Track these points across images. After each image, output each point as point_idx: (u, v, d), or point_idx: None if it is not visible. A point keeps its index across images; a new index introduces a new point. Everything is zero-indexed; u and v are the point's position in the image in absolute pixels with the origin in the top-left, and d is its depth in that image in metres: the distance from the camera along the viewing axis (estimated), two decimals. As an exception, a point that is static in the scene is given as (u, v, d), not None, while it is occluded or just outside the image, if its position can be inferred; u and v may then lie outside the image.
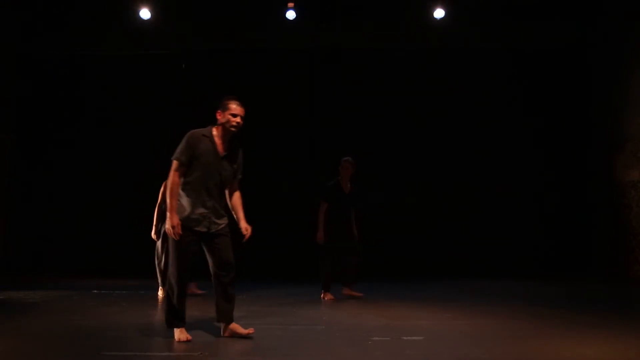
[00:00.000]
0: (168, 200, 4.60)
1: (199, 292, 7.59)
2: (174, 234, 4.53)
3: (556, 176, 11.03)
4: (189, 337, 4.62)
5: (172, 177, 4.65)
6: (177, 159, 4.66)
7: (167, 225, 4.54)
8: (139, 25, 10.61)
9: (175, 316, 4.67)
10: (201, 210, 4.63)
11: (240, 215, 4.86)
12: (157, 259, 7.54)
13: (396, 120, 11.07)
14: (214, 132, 4.76)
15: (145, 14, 10.49)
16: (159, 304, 6.90)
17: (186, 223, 4.59)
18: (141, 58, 11.21)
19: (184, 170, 4.66)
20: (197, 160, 4.63)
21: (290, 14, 10.67)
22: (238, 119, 4.75)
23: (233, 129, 4.74)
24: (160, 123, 11.08)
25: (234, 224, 4.87)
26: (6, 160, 10.74)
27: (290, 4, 10.61)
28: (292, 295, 7.61)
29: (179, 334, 4.63)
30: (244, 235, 4.78)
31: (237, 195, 4.91)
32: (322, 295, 7.30)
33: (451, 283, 9.13)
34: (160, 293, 7.36)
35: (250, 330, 4.78)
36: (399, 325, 5.44)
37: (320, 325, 5.40)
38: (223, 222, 4.75)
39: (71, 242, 10.76)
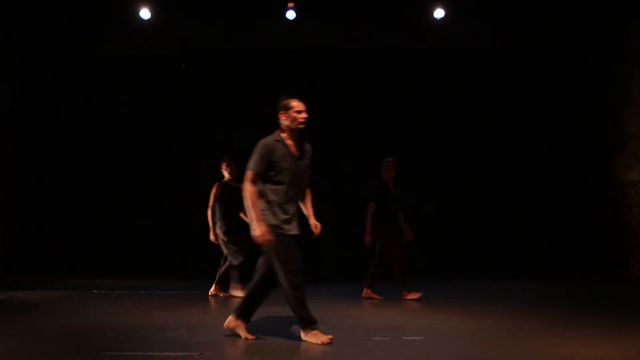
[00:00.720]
0: (251, 211, 4.54)
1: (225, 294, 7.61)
2: (264, 241, 4.49)
3: (556, 176, 11.03)
4: (325, 340, 4.53)
5: (249, 187, 4.59)
6: (252, 170, 4.62)
7: (256, 234, 4.48)
8: (139, 25, 10.61)
9: (308, 320, 4.63)
10: (291, 213, 4.64)
11: (310, 212, 4.84)
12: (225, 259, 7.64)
13: (396, 120, 11.06)
14: (283, 135, 4.76)
15: (145, 14, 10.49)
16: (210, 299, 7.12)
17: (280, 230, 4.57)
18: (141, 58, 11.21)
19: (260, 180, 4.63)
20: (276, 166, 4.61)
21: (290, 14, 10.67)
22: (304, 115, 4.75)
23: (301, 125, 4.74)
24: (160, 123, 11.11)
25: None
26: (6, 159, 10.74)
27: (290, 4, 10.61)
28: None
29: (314, 336, 4.60)
30: (313, 232, 4.77)
31: (307, 192, 4.90)
32: (363, 294, 7.39)
33: (451, 283, 9.13)
34: (212, 290, 7.57)
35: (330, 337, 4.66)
36: (399, 325, 5.44)
37: (320, 325, 5.40)
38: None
39: (71, 242, 10.76)
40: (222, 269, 7.66)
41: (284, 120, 4.77)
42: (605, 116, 10.64)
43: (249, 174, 4.64)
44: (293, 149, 4.73)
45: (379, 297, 7.41)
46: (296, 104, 4.76)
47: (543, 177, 11.04)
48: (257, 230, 4.47)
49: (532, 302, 7.06)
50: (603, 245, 10.55)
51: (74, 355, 4.21)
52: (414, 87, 11.05)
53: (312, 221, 4.81)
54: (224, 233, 7.62)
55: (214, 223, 7.67)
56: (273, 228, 4.54)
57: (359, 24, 11.03)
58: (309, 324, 4.65)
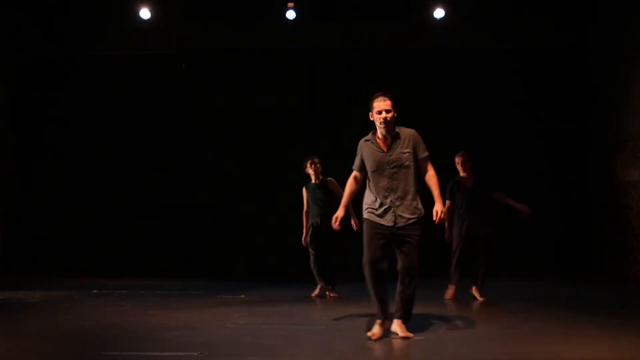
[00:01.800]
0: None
1: (333, 294, 7.54)
2: (334, 224, 5.01)
3: (556, 176, 11.03)
4: (375, 334, 4.68)
5: (349, 180, 5.20)
6: (353, 168, 5.18)
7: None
8: (139, 25, 10.60)
9: (377, 309, 4.78)
10: (384, 204, 4.86)
11: (435, 194, 5.06)
12: (312, 262, 7.60)
13: (396, 120, 11.04)
14: (375, 134, 5.10)
15: (145, 13, 10.48)
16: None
17: (373, 218, 4.87)
18: (141, 58, 11.20)
19: (359, 176, 5.12)
20: (367, 162, 5.00)
21: (290, 14, 10.67)
22: (383, 115, 4.99)
23: (383, 125, 4.97)
24: (160, 123, 11.10)
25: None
26: (6, 160, 10.74)
27: (290, 4, 10.60)
28: (292, 295, 7.61)
29: (373, 329, 4.76)
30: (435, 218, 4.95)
31: (429, 175, 5.12)
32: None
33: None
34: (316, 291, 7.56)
35: (410, 335, 4.76)
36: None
37: (320, 325, 5.40)
38: (412, 216, 4.91)
39: (71, 242, 10.75)
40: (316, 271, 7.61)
41: (372, 120, 5.11)
42: (605, 116, 10.64)
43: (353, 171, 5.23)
44: (382, 145, 5.04)
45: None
46: (376, 105, 5.09)
47: (543, 176, 11.03)
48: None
49: (532, 302, 7.06)
50: (603, 245, 10.54)
51: (74, 355, 4.21)
52: (414, 87, 11.02)
53: (437, 206, 5.02)
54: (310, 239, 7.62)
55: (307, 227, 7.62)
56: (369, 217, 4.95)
57: (359, 24, 11.03)
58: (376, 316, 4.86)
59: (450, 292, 7.43)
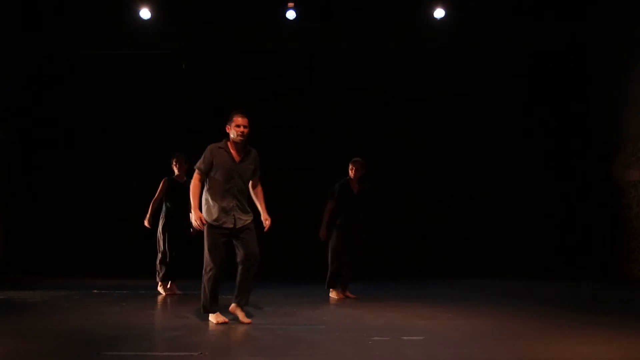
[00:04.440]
0: (192, 201, 5.38)
1: (178, 292, 7.71)
2: (199, 225, 5.31)
3: (556, 176, 11.03)
4: (226, 320, 5.36)
5: (194, 181, 5.42)
6: (197, 168, 5.43)
7: (193, 219, 5.35)
8: (139, 25, 10.60)
9: (211, 303, 5.38)
10: (225, 209, 5.34)
11: (262, 207, 5.66)
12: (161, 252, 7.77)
13: (396, 120, 11.06)
14: (228, 143, 5.50)
15: (145, 14, 10.48)
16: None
17: (214, 222, 5.33)
18: (141, 58, 11.20)
19: (204, 178, 5.43)
20: (217, 168, 5.37)
21: (290, 14, 10.66)
22: (241, 129, 5.45)
23: (240, 138, 5.44)
24: (160, 123, 11.09)
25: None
26: (6, 160, 10.74)
27: (290, 4, 10.59)
28: (292, 295, 7.61)
29: (216, 317, 5.38)
30: (264, 227, 5.56)
31: (258, 190, 5.69)
32: (330, 293, 7.37)
33: (451, 283, 9.13)
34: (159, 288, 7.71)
35: (248, 321, 5.41)
36: (399, 325, 5.45)
37: (320, 325, 5.40)
38: (248, 217, 5.48)
39: (71, 242, 10.75)
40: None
41: (228, 132, 5.52)
42: (605, 116, 10.64)
43: (195, 171, 5.49)
44: (235, 155, 5.48)
45: (353, 296, 7.42)
46: (237, 119, 5.49)
47: (543, 176, 11.03)
48: (194, 216, 5.38)
49: (532, 302, 7.06)
50: (603, 245, 10.54)
51: (74, 355, 4.21)
52: (413, 87, 11.04)
53: (263, 215, 5.62)
54: (162, 228, 7.80)
55: (152, 213, 7.84)
56: (211, 221, 5.42)
57: (359, 24, 11.02)
58: (210, 310, 5.45)
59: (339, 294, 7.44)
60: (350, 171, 7.52)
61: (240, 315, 5.46)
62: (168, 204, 7.86)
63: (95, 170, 11.02)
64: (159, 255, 7.78)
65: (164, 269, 7.72)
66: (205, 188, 5.43)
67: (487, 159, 11.01)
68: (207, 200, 5.41)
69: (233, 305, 5.51)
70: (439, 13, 10.51)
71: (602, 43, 10.75)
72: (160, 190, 7.86)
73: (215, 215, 5.34)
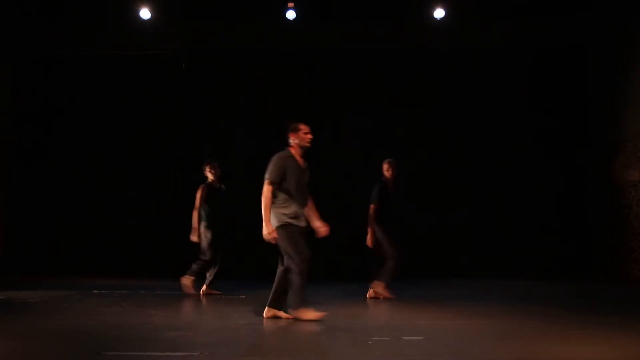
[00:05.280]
0: (264, 213, 5.54)
1: (216, 292, 7.71)
2: (271, 239, 5.50)
3: (556, 176, 11.03)
4: (324, 313, 5.53)
5: (266, 194, 5.57)
6: (269, 180, 5.58)
7: (264, 232, 5.50)
8: (139, 25, 10.60)
9: (303, 299, 5.51)
10: (297, 213, 5.63)
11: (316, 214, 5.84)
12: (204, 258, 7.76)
13: (396, 120, 11.06)
14: (293, 151, 5.75)
15: (145, 14, 10.48)
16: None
17: (291, 220, 5.56)
18: (141, 58, 11.20)
19: (275, 189, 5.61)
20: (288, 176, 5.61)
21: (290, 14, 10.66)
22: (310, 136, 5.77)
23: (308, 144, 5.74)
24: (160, 123, 11.10)
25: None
26: (6, 160, 10.73)
27: (290, 4, 10.59)
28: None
29: (313, 313, 5.49)
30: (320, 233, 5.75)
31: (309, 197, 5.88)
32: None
33: (451, 283, 9.13)
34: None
35: (291, 316, 5.56)
36: (399, 325, 5.45)
37: (320, 326, 5.40)
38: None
39: (71, 242, 10.75)
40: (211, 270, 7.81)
41: (293, 139, 5.74)
42: (605, 116, 10.64)
43: (266, 182, 5.65)
44: (300, 162, 5.74)
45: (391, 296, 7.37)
46: (304, 127, 5.74)
47: (543, 176, 11.03)
48: (265, 229, 5.54)
49: (532, 302, 7.06)
50: (603, 245, 10.54)
51: (74, 355, 4.21)
52: (413, 87, 11.04)
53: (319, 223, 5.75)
54: (209, 232, 7.76)
55: (199, 224, 7.77)
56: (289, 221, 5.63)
57: (359, 24, 11.02)
58: (302, 306, 5.55)
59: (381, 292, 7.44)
60: (386, 172, 7.58)
61: (282, 314, 5.64)
62: (207, 210, 7.79)
63: (95, 171, 11.02)
64: (205, 260, 7.72)
65: (212, 274, 7.74)
66: (278, 195, 5.59)
67: (487, 159, 11.01)
68: (282, 206, 5.58)
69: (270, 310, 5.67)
70: (439, 13, 10.51)
71: (602, 43, 10.76)
72: (200, 197, 7.78)
73: (290, 215, 5.56)
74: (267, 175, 5.59)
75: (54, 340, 4.68)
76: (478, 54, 11.18)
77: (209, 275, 7.77)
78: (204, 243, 7.72)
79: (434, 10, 10.51)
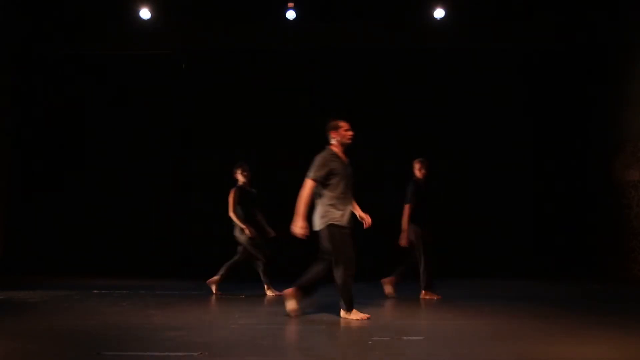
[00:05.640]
0: (300, 208, 5.53)
1: (277, 292, 7.65)
2: (301, 233, 5.49)
3: (556, 176, 11.03)
4: (369, 315, 5.59)
5: (307, 191, 5.58)
6: (312, 178, 5.60)
7: (295, 226, 5.48)
8: (139, 25, 10.60)
9: (351, 300, 5.61)
10: (346, 211, 5.66)
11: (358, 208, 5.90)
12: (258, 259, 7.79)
13: (396, 120, 11.06)
14: (335, 149, 5.78)
15: (145, 14, 10.48)
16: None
17: (340, 222, 5.57)
18: (141, 58, 11.20)
19: (321, 187, 5.63)
20: (333, 174, 5.62)
21: (290, 14, 10.66)
22: (351, 132, 5.80)
23: (350, 141, 5.77)
24: (160, 123, 11.11)
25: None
26: (6, 160, 10.73)
27: (290, 4, 10.59)
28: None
29: (360, 314, 5.59)
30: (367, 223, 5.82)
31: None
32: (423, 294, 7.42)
33: (451, 283, 9.13)
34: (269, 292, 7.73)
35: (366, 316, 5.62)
36: (399, 325, 5.45)
37: (320, 325, 5.40)
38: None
39: (71, 242, 10.75)
40: (261, 271, 7.84)
41: (335, 136, 5.79)
42: (605, 116, 10.64)
43: (308, 181, 5.65)
44: (344, 159, 5.78)
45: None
46: (345, 124, 5.81)
47: (543, 177, 11.04)
48: (296, 224, 5.54)
49: (532, 302, 7.06)
50: (603, 245, 10.54)
51: (74, 355, 4.21)
52: (413, 87, 11.04)
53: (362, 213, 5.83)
54: (243, 234, 7.75)
55: (235, 229, 7.80)
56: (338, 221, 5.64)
57: (359, 24, 11.02)
58: (353, 306, 5.66)
59: (431, 295, 7.49)
60: (418, 171, 7.61)
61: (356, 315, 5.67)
62: (239, 212, 7.79)
63: (95, 170, 11.02)
64: (263, 260, 7.77)
65: (264, 273, 7.79)
66: (324, 194, 5.61)
67: (486, 159, 11.01)
68: (329, 205, 5.60)
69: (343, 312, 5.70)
70: (439, 13, 10.51)
71: (602, 43, 10.75)
72: (234, 199, 7.78)
73: (340, 217, 5.58)
74: (309, 173, 5.61)
75: (54, 340, 4.68)
76: (478, 54, 11.18)
77: (263, 277, 7.79)
78: (247, 245, 7.73)
79: (434, 10, 10.51)
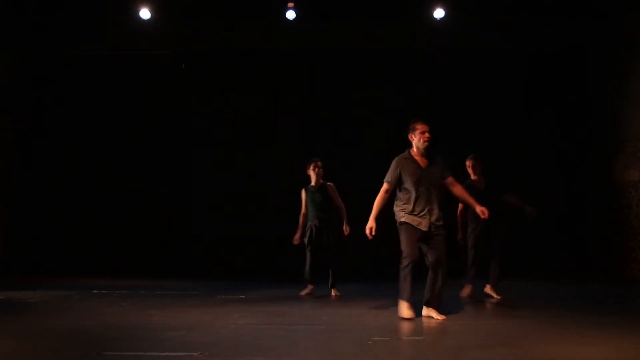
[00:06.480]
0: (373, 208, 5.83)
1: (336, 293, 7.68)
2: (369, 234, 5.71)
3: (556, 176, 11.03)
4: (414, 316, 5.63)
5: (380, 193, 5.89)
6: (386, 181, 5.90)
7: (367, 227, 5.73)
8: (139, 25, 10.60)
9: (409, 293, 5.68)
10: (420, 213, 5.78)
11: (471, 201, 6.16)
12: (307, 264, 7.73)
13: (396, 120, 11.04)
14: (412, 152, 5.95)
15: (145, 14, 10.48)
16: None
17: (412, 222, 5.75)
18: (141, 58, 11.20)
19: (391, 189, 5.88)
20: (406, 177, 5.81)
21: (290, 14, 10.66)
22: (427, 135, 5.90)
23: (426, 143, 5.88)
24: (159, 123, 11.10)
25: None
26: (6, 160, 10.74)
27: (290, 4, 10.59)
28: (292, 295, 7.61)
29: (407, 309, 5.65)
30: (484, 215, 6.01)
31: (457, 188, 6.15)
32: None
33: (452, 283, 9.11)
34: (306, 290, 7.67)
35: (442, 317, 5.65)
36: (399, 325, 5.44)
37: (320, 325, 5.40)
38: (440, 222, 5.86)
39: (71, 242, 10.76)
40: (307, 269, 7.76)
41: (412, 140, 5.96)
42: (605, 116, 10.64)
43: (384, 184, 5.96)
44: (421, 162, 5.91)
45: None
46: (421, 126, 5.94)
47: (543, 176, 11.03)
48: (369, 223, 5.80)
49: (531, 302, 7.06)
50: (603, 245, 10.54)
51: (74, 355, 4.21)
52: (413, 87, 11.04)
53: (479, 208, 6.05)
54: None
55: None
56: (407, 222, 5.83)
57: (359, 24, 11.02)
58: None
59: (467, 290, 7.51)
60: (468, 169, 7.59)
61: (434, 313, 5.73)
62: (308, 212, 7.76)
63: (95, 170, 11.02)
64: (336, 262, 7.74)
65: (331, 274, 7.73)
66: (398, 197, 5.88)
67: (486, 159, 10.98)
68: (401, 206, 5.83)
69: (425, 309, 5.77)
70: (439, 13, 10.50)
71: (602, 43, 10.75)
72: (305, 201, 7.77)
73: (411, 217, 5.76)
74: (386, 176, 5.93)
75: (54, 340, 4.68)
76: (478, 54, 11.18)
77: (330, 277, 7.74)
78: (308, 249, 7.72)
79: (434, 10, 10.50)
